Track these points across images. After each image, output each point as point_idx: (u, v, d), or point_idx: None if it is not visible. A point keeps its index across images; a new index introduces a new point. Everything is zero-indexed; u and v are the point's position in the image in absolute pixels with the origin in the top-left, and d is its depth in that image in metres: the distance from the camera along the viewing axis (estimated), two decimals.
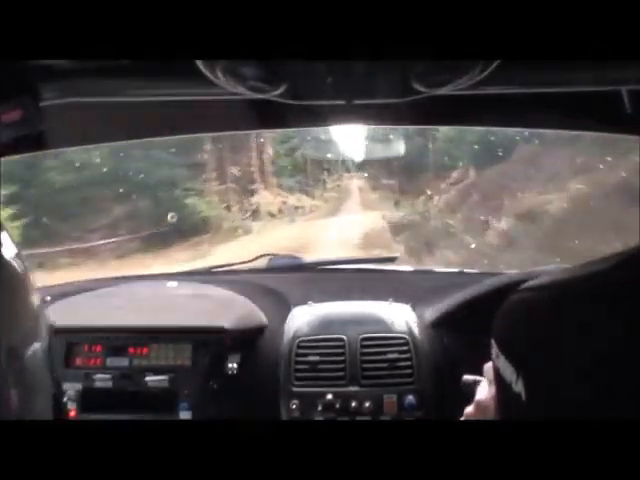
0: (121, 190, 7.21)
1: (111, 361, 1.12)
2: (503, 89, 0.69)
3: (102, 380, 1.09)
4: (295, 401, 1.10)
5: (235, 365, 1.12)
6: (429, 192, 8.65)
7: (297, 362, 1.14)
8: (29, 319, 0.40)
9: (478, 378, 0.65)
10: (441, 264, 6.31)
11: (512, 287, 0.40)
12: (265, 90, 0.61)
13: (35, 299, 0.41)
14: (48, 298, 1.19)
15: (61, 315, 1.13)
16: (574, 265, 0.36)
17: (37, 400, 0.41)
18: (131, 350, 1.13)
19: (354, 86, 0.64)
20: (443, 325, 1.17)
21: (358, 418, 1.08)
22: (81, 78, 0.68)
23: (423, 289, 1.38)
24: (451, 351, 1.14)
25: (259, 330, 1.25)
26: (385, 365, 1.13)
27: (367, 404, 1.09)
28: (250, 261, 1.65)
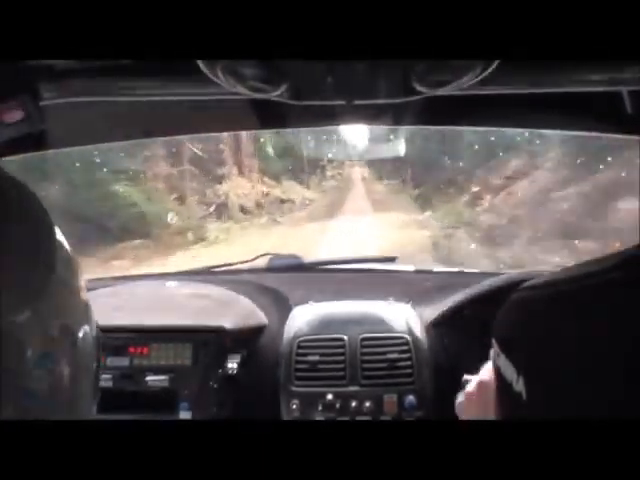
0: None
1: (111, 361, 1.12)
2: (503, 89, 0.69)
3: (102, 380, 1.09)
4: (295, 401, 1.10)
5: (235, 365, 1.12)
6: (475, 188, 7.08)
7: (297, 362, 1.14)
8: (81, 302, 0.42)
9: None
10: None
11: (512, 287, 0.40)
12: (265, 90, 0.61)
13: (84, 286, 0.43)
14: None
15: None
16: (574, 265, 0.36)
17: (85, 385, 0.42)
18: (131, 350, 1.13)
19: (354, 86, 0.64)
20: (443, 325, 1.17)
21: (358, 418, 1.08)
22: (81, 78, 0.68)
23: (423, 289, 1.38)
24: (451, 351, 1.14)
25: (259, 330, 1.25)
26: (385, 365, 1.13)
27: (367, 404, 1.09)
28: (250, 261, 1.65)
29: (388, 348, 1.15)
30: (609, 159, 4.99)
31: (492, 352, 0.43)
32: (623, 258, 0.32)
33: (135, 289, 1.41)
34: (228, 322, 1.15)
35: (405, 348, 1.14)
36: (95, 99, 0.73)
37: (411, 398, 1.08)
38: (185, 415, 1.09)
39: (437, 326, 1.18)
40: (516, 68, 0.64)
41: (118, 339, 1.13)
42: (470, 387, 0.60)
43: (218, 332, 1.13)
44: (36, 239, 0.37)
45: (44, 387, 0.36)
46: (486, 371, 0.58)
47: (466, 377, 0.70)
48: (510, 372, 0.37)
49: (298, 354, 1.15)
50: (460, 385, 0.70)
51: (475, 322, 0.72)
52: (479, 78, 0.58)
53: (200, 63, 0.56)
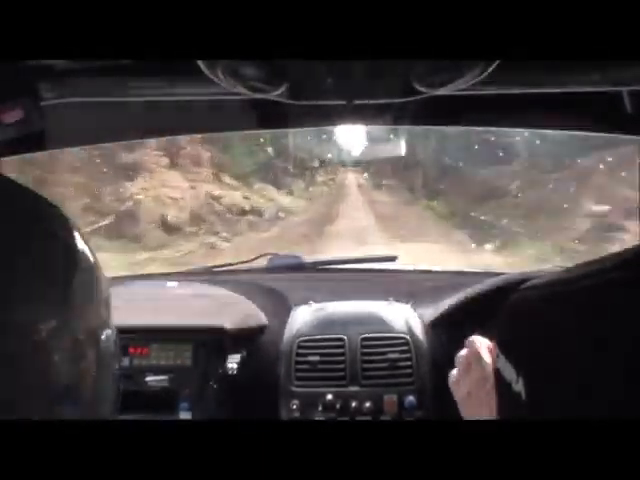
0: None
1: None
2: (503, 89, 0.69)
3: None
4: (295, 401, 1.10)
5: (235, 365, 1.12)
6: (514, 187, 5.81)
7: (297, 362, 1.14)
8: (104, 304, 0.42)
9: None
10: None
11: (512, 287, 0.40)
12: (265, 90, 0.61)
13: (107, 287, 0.43)
14: None
15: None
16: (574, 265, 0.36)
17: (108, 384, 0.43)
18: (131, 350, 1.13)
19: (355, 86, 0.64)
20: (443, 325, 1.17)
21: (358, 418, 1.08)
22: (81, 78, 0.68)
23: (423, 289, 1.38)
24: (451, 351, 1.14)
25: (259, 330, 1.25)
26: (385, 365, 1.12)
27: (367, 404, 1.09)
28: (250, 261, 1.65)
29: (388, 348, 1.15)
30: None
31: (486, 348, 0.43)
32: (623, 258, 0.32)
33: (135, 289, 1.41)
34: (228, 322, 1.15)
35: (405, 348, 1.14)
36: (95, 99, 0.73)
37: (411, 398, 1.08)
38: (185, 415, 1.09)
39: (437, 326, 1.18)
40: (516, 68, 0.64)
41: (118, 339, 1.13)
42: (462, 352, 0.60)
43: (218, 332, 1.13)
44: (59, 243, 0.38)
45: (68, 389, 0.36)
46: (463, 351, 0.59)
47: (459, 354, 0.70)
48: (510, 372, 0.37)
49: (298, 354, 1.15)
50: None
51: (475, 322, 0.72)
52: (479, 78, 0.58)
53: (200, 63, 0.56)
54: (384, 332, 1.18)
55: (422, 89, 0.61)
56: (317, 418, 1.09)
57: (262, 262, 1.63)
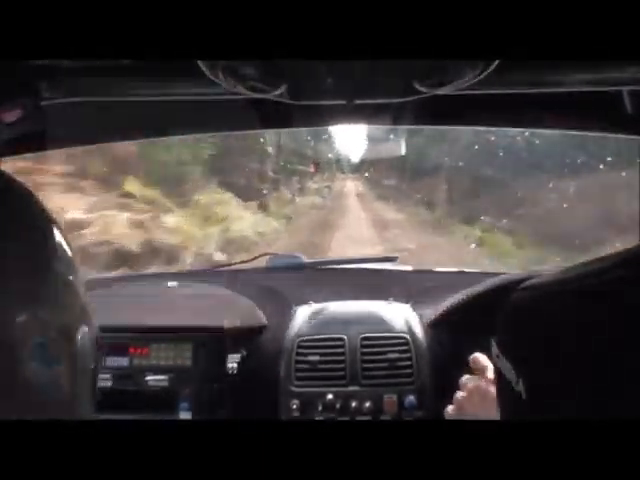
0: None
1: (111, 361, 1.12)
2: (503, 89, 0.69)
3: (102, 380, 1.09)
4: (295, 401, 1.10)
5: (235, 365, 1.12)
6: None
7: (297, 362, 1.14)
8: (79, 302, 0.42)
9: (477, 378, 0.65)
10: None
11: (512, 287, 0.40)
12: (265, 90, 0.61)
13: (82, 285, 0.43)
14: None
15: None
16: (574, 265, 0.36)
17: (85, 383, 0.42)
18: (131, 350, 1.13)
19: (355, 86, 0.64)
20: (443, 325, 1.17)
21: (358, 418, 1.08)
22: (81, 78, 0.68)
23: (423, 289, 1.38)
24: (451, 351, 1.14)
25: (259, 330, 1.25)
26: (385, 365, 1.13)
27: (367, 404, 1.09)
28: (250, 261, 1.65)
29: (388, 348, 1.15)
30: None
31: (492, 352, 0.43)
32: (623, 258, 0.32)
33: (135, 289, 1.41)
34: (228, 322, 1.15)
35: (405, 348, 1.14)
36: (95, 99, 0.73)
37: (411, 398, 1.08)
38: (185, 415, 1.09)
39: (437, 326, 1.18)
40: (516, 68, 0.64)
41: (118, 339, 1.13)
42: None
43: (218, 332, 1.13)
44: (34, 240, 0.37)
45: (42, 387, 0.36)
46: (465, 384, 0.58)
47: (466, 377, 0.70)
48: (510, 372, 0.37)
49: (298, 354, 1.15)
50: (460, 386, 0.70)
51: (475, 322, 0.72)
52: (479, 78, 0.58)
53: (200, 63, 0.55)
54: (384, 332, 1.18)
55: (422, 89, 0.61)
56: (317, 418, 1.09)
57: (262, 262, 1.63)
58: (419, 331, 1.18)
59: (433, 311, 1.21)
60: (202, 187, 6.28)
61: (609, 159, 4.83)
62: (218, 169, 6.54)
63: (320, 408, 1.09)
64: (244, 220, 5.93)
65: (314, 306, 1.30)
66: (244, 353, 1.17)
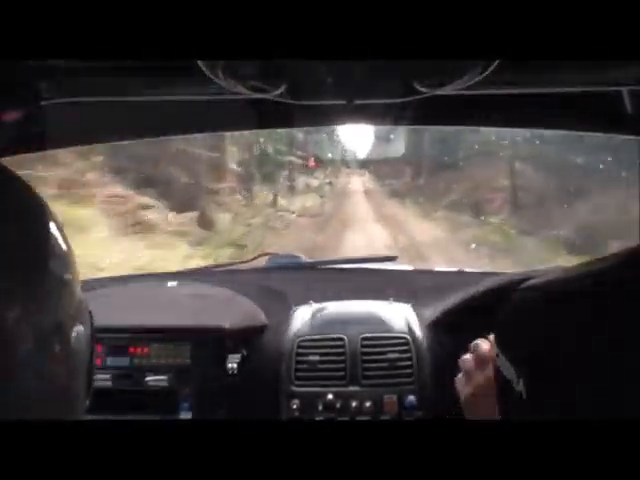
0: None
1: (111, 361, 1.12)
2: (503, 89, 0.69)
3: (102, 380, 1.09)
4: (295, 401, 1.10)
5: (235, 365, 1.12)
6: None
7: (297, 362, 1.14)
8: (75, 302, 0.41)
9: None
10: None
11: (512, 287, 0.40)
12: (265, 90, 0.61)
13: (78, 284, 0.43)
14: None
15: None
16: (574, 265, 0.36)
17: (79, 382, 0.42)
18: (131, 350, 1.13)
19: (355, 86, 0.64)
20: (443, 325, 1.17)
21: (358, 418, 1.08)
22: (81, 78, 0.68)
23: (423, 289, 1.38)
24: (451, 351, 1.14)
25: (259, 330, 1.25)
26: (385, 365, 1.12)
27: (367, 404, 1.09)
28: (250, 260, 1.65)
29: (388, 348, 1.14)
30: None
31: (492, 352, 0.43)
32: (623, 258, 0.32)
33: (135, 289, 1.41)
34: (228, 322, 1.15)
35: (405, 348, 1.14)
36: (95, 99, 0.73)
37: (411, 398, 1.08)
38: (185, 415, 1.09)
39: (437, 326, 1.18)
40: (516, 68, 0.64)
41: (118, 339, 1.13)
42: (468, 359, 0.60)
43: (218, 332, 1.13)
44: (30, 235, 0.37)
45: (34, 386, 0.36)
46: (484, 344, 0.59)
47: (463, 358, 0.70)
48: (510, 372, 0.37)
49: (298, 354, 1.15)
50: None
51: (475, 322, 0.72)
52: (479, 78, 0.58)
53: (200, 63, 0.55)
54: (384, 332, 1.18)
55: (422, 89, 0.61)
56: (317, 418, 1.09)
57: (262, 262, 1.63)
58: (419, 331, 1.18)
59: (433, 311, 1.21)
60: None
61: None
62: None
63: (320, 408, 1.09)
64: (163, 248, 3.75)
65: (314, 306, 1.30)
66: (244, 353, 1.17)
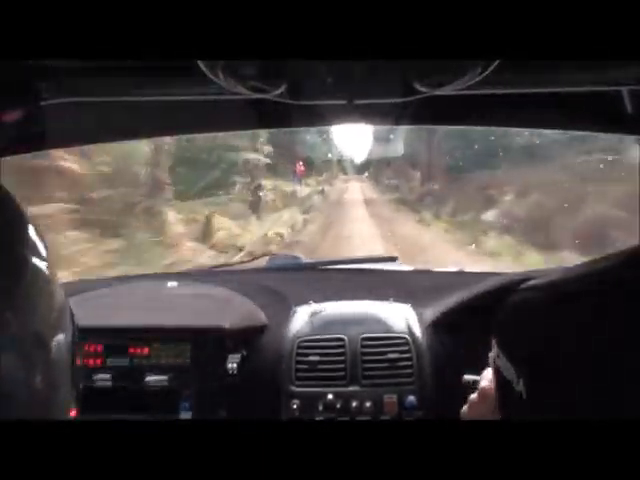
0: None
1: (111, 361, 1.12)
2: (503, 89, 0.69)
3: (102, 380, 1.09)
4: (295, 401, 1.10)
5: (235, 365, 1.12)
6: None
7: (297, 362, 1.14)
8: (55, 309, 0.40)
9: (478, 378, 0.65)
10: None
11: (512, 287, 0.40)
12: (265, 90, 0.61)
13: (60, 290, 0.42)
14: None
15: None
16: (574, 265, 0.36)
17: (60, 391, 0.41)
18: (131, 350, 1.13)
19: (355, 86, 0.64)
20: (443, 325, 1.17)
21: (358, 418, 1.08)
22: (81, 78, 0.68)
23: (423, 289, 1.38)
24: (451, 351, 1.14)
25: (259, 330, 1.25)
26: (385, 365, 1.13)
27: (367, 404, 1.09)
28: (250, 261, 1.65)
29: (388, 348, 1.15)
30: None
31: (492, 352, 0.43)
32: (623, 258, 0.32)
33: (135, 289, 1.41)
34: (228, 322, 1.15)
35: (405, 348, 1.14)
36: (95, 99, 0.73)
37: (411, 398, 1.08)
38: (185, 415, 1.09)
39: (437, 326, 1.18)
40: (516, 68, 0.64)
41: (118, 339, 1.13)
42: (473, 396, 0.60)
43: (218, 332, 1.13)
44: (6, 240, 0.36)
45: (17, 391, 0.35)
46: (486, 380, 0.58)
47: (466, 377, 0.70)
48: (510, 372, 0.37)
49: (298, 354, 1.15)
50: (461, 384, 0.69)
51: (475, 322, 0.72)
52: (479, 78, 0.58)
53: (200, 63, 0.55)
54: (384, 332, 1.18)
55: (422, 89, 0.61)
56: (317, 418, 1.09)
57: (262, 262, 1.63)
58: (419, 331, 1.18)
59: (433, 311, 1.21)
60: None
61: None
62: None
63: (320, 408, 1.09)
64: None
65: (314, 306, 1.30)
66: (244, 353, 1.17)
